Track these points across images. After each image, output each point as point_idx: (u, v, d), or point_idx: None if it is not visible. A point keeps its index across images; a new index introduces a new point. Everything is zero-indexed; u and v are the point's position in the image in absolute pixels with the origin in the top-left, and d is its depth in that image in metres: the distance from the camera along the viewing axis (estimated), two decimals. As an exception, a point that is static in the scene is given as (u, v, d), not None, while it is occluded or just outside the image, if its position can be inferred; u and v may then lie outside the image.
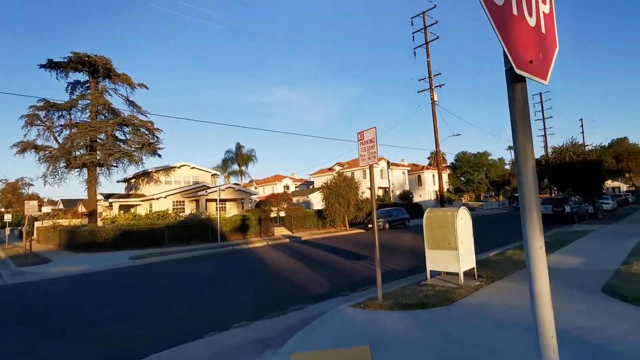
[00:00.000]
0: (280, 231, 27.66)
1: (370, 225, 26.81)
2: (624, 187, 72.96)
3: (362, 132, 6.29)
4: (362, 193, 29.54)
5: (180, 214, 28.10)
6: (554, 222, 22.00)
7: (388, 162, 52.73)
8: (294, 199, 46.70)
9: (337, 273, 9.97)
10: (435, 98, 38.30)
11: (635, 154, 55.99)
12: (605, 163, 21.14)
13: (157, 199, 31.51)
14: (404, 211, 29.93)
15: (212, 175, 41.01)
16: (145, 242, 20.29)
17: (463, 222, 6.97)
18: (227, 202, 35.08)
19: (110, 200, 33.66)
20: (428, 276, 7.20)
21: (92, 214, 28.38)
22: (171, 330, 5.87)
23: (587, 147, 21.00)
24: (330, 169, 55.40)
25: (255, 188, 66.10)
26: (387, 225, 26.51)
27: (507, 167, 71.96)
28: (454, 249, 6.72)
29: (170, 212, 27.55)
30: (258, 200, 41.53)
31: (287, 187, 63.46)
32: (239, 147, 55.13)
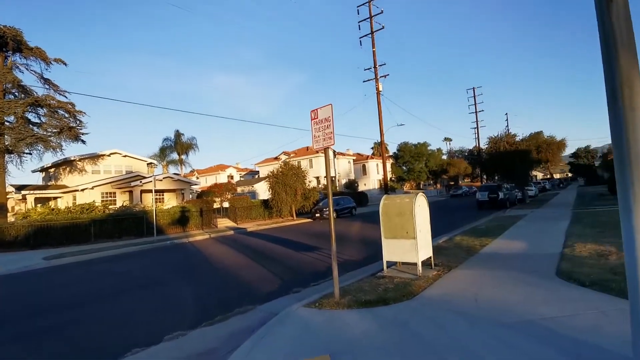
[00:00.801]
0: (224, 223, 26.22)
1: (317, 215, 26.43)
2: (539, 176, 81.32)
3: (317, 110, 5.56)
4: (309, 182, 29.02)
5: (110, 207, 25.33)
6: (489, 207, 23.37)
7: (334, 152, 52.81)
8: (239, 189, 44.97)
9: (287, 267, 9.26)
10: (380, 88, 38.77)
11: (552, 145, 62.64)
12: (531, 153, 22.81)
13: (82, 190, 28.19)
14: (351, 200, 30.00)
15: (148, 164, 37.68)
16: (66, 239, 17.82)
17: (421, 209, 6.62)
18: (165, 193, 32.53)
19: (23, 192, 29.42)
20: (385, 267, 6.78)
21: (0, 209, 24.49)
22: (79, 353, 4.73)
23: (517, 138, 22.46)
24: (276, 158, 54.23)
25: (197, 178, 62.71)
26: (334, 214, 26.33)
27: (445, 157, 76.27)
28: (412, 238, 6.34)
29: (97, 204, 24.70)
30: (200, 190, 39.22)
31: (231, 176, 61.08)
32: (178, 134, 51.64)
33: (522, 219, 14.70)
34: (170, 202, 31.27)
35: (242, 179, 61.29)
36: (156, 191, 31.49)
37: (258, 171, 60.11)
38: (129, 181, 29.20)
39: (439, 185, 73.90)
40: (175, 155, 52.43)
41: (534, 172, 70.51)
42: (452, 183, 72.77)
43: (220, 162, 68.97)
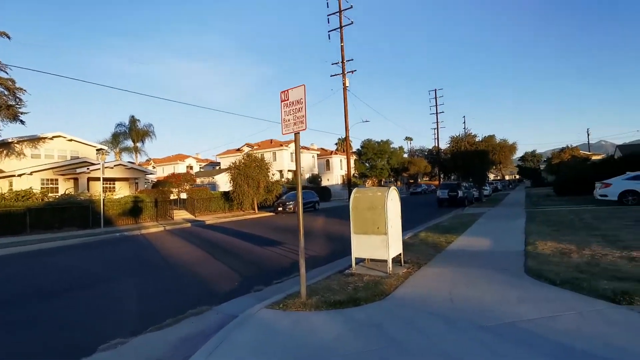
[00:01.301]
0: (181, 215, 24.86)
1: (280, 209, 25.82)
2: (491, 176, 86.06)
3: (287, 90, 5.04)
4: (273, 175, 28.29)
5: (50, 195, 23.10)
6: (448, 205, 24.01)
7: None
8: (198, 180, 43.16)
9: (248, 263, 8.67)
10: (347, 84, 38.65)
11: (505, 148, 66.52)
12: (489, 154, 23.72)
13: (20, 175, 25.55)
14: (314, 194, 29.66)
15: (97, 150, 35.15)
16: (-5, 229, 15.87)
17: (393, 203, 6.32)
18: (117, 182, 30.34)
19: (-52, 176, 26.15)
20: (353, 264, 6.42)
21: None
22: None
23: (477, 139, 23.22)
24: (238, 150, 52.70)
25: (154, 168, 59.55)
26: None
27: (406, 155, 78.27)
28: (383, 233, 6.02)
29: (36, 191, 22.40)
30: (156, 180, 37.11)
31: (190, 167, 58.61)
32: (133, 120, 48.46)
33: (482, 216, 15.09)
34: (123, 191, 29.20)
35: (202, 170, 59.00)
36: (107, 179, 29.37)
37: (219, 163, 58.14)
38: (74, 167, 26.82)
39: (399, 183, 75.78)
40: (129, 143, 49.23)
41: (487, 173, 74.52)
42: (412, 181, 74.93)
43: (180, 152, 65.92)
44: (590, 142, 68.55)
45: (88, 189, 27.78)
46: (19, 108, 23.50)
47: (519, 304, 4.20)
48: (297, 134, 5.00)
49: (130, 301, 6.05)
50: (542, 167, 63.56)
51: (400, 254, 6.63)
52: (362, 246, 6.30)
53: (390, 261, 6.03)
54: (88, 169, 26.72)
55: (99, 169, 27.13)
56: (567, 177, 25.87)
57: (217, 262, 8.79)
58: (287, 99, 5.01)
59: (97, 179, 28.30)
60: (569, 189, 23.78)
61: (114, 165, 28.41)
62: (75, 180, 27.83)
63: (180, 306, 5.27)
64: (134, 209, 21.18)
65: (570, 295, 4.39)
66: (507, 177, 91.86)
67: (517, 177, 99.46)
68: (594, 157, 51.73)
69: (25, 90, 23.98)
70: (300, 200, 5.28)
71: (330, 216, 21.34)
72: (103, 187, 29.73)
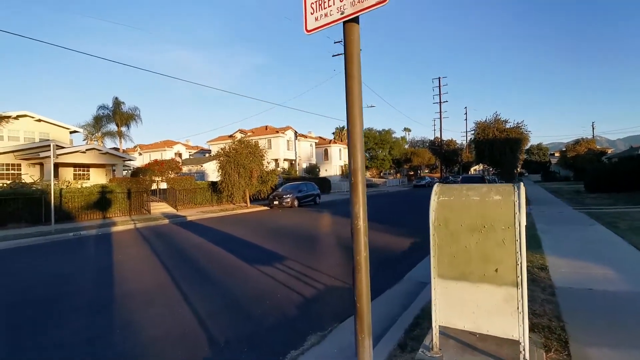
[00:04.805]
0: (160, 208, 21.45)
1: (276, 202, 22.46)
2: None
3: None
4: (268, 164, 24.88)
5: (3, 183, 19.55)
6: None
7: (296, 133, 48.74)
8: (185, 168, 39.65)
9: (230, 301, 5.38)
10: (351, 65, 35.11)
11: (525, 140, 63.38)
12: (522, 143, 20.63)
13: (-28, 159, 21.97)
14: (314, 186, 26.35)
15: (71, 132, 31.45)
16: None
17: (523, 218, 3.06)
18: (91, 169, 26.73)
19: None
20: (435, 337, 3.18)
21: None
22: None
23: (507, 125, 20.03)
24: (231, 137, 49.00)
25: (140, 154, 55.71)
26: (295, 203, 22.53)
27: (407, 146, 75.03)
28: (508, 283, 2.80)
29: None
30: (136, 168, 33.54)
31: (179, 154, 54.97)
32: (117, 102, 44.37)
33: (534, 219, 11.92)
34: (98, 179, 25.69)
35: (191, 157, 55.34)
36: (79, 166, 25.73)
37: (210, 150, 54.46)
38: (38, 151, 23.18)
39: (399, 175, 72.67)
40: (113, 127, 45.30)
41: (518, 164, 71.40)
42: (412, 173, 71.78)
43: (169, 138, 62.08)
44: (585, 136, 65.45)
45: (57, 176, 24.23)
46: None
47: None
48: (354, 22, 1.69)
49: None
50: (554, 161, 60.43)
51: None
52: (457, 304, 3.05)
53: (526, 342, 2.80)
54: (55, 153, 23.08)
55: (69, 153, 23.68)
56: (601, 172, 22.80)
57: (178, 301, 5.48)
58: None
59: (68, 164, 24.78)
60: (609, 184, 20.71)
61: (87, 150, 24.77)
62: (41, 165, 24.26)
63: None
64: (101, 201, 17.72)
65: None
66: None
67: (518, 170, 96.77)
68: (609, 151, 48.96)
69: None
70: (362, 212, 2.00)
71: (336, 213, 18.08)
72: (75, 175, 26.34)
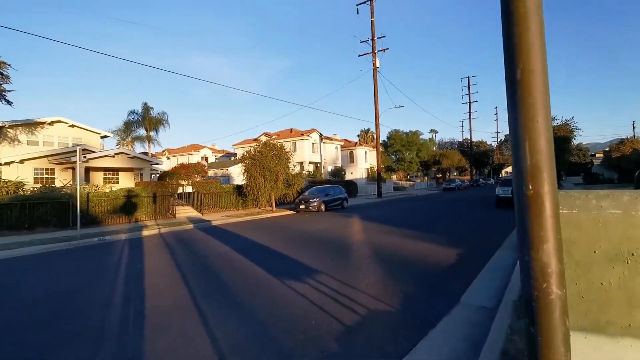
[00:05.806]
0: (185, 212, 21.22)
1: (302, 206, 21.71)
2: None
3: None
4: (294, 166, 24.23)
5: (27, 187, 19.82)
6: (506, 206, 19.36)
7: (321, 135, 48.06)
8: (212, 172, 39.77)
9: (257, 331, 4.59)
10: (378, 64, 33.83)
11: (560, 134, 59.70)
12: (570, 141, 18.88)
13: (9, 164, 22.55)
14: (341, 189, 25.46)
15: (102, 137, 32.10)
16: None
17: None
18: (120, 173, 27.07)
19: None
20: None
21: None
22: None
23: (555, 122, 18.41)
24: (256, 140, 48.93)
25: (169, 158, 56.81)
26: (322, 207, 21.69)
27: (435, 148, 72.76)
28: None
29: (22, 182, 19.22)
30: (163, 171, 33.80)
31: (205, 158, 55.55)
32: (146, 108, 45.35)
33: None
34: (126, 183, 25.93)
35: (217, 161, 55.83)
36: (108, 170, 26.09)
37: (235, 153, 54.73)
38: (69, 156, 23.60)
39: (426, 178, 70.52)
40: (142, 132, 46.33)
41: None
42: (440, 175, 69.46)
43: (195, 142, 62.98)
44: (628, 136, 60.68)
45: (87, 180, 24.65)
46: (1, 85, 20.28)
47: None
48: None
49: None
50: (597, 162, 56.50)
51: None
52: (581, 368, 2.09)
53: None
54: (85, 157, 23.43)
55: (98, 157, 23.99)
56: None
57: (196, 326, 4.72)
58: None
59: (98, 168, 25.17)
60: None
61: (115, 154, 25.04)
62: (73, 170, 24.71)
63: None
64: (127, 205, 17.59)
65: None
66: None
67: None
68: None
69: (9, 65, 20.71)
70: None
71: (365, 218, 17.10)
72: (105, 179, 26.71)
